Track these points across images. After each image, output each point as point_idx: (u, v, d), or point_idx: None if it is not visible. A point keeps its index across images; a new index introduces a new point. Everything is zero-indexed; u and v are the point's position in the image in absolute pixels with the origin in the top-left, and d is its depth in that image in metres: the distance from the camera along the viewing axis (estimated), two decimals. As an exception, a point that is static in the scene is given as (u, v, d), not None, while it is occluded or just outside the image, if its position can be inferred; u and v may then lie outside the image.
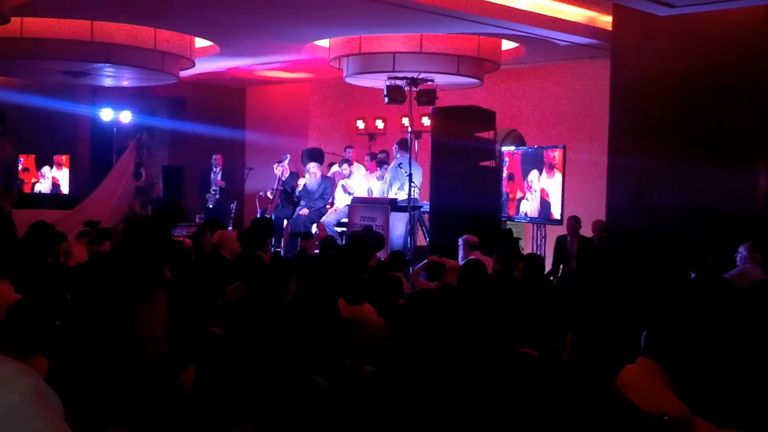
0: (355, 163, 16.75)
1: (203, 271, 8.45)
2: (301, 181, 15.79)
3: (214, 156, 17.99)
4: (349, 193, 15.76)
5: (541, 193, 13.79)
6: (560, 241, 13.10)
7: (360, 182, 16.15)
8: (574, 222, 12.96)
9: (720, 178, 11.09)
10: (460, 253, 10.48)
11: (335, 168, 16.77)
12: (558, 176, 13.54)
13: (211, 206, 17.50)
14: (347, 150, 17.22)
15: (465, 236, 10.62)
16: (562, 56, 15.39)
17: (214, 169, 17.85)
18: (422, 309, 5.04)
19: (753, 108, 11.14)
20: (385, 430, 3.74)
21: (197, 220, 17.26)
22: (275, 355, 4.17)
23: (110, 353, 3.41)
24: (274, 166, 16.50)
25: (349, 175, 16.27)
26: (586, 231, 13.06)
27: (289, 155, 16.50)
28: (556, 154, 13.68)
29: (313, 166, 15.53)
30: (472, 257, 9.48)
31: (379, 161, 16.24)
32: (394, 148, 15.65)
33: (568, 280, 8.62)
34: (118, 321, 4.85)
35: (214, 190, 17.64)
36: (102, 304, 5.41)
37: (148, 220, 7.28)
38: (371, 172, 16.29)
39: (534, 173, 14.04)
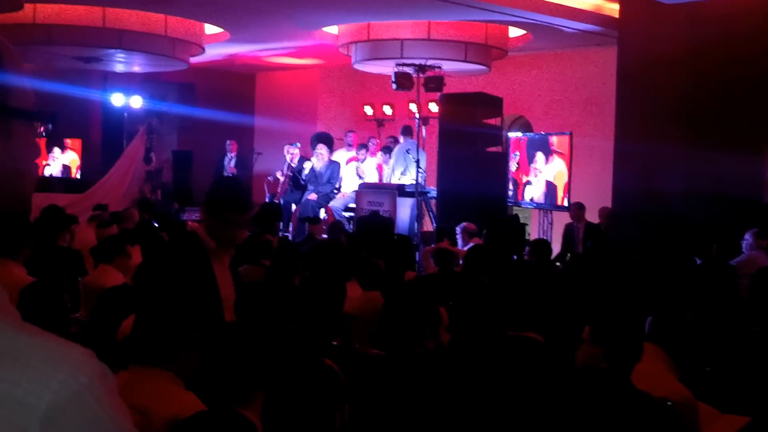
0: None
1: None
2: (308, 164, 15.83)
3: (228, 141, 18.09)
4: (362, 178, 15.87)
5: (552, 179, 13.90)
6: (568, 228, 13.17)
7: (371, 167, 16.26)
8: (577, 208, 13.04)
9: (726, 164, 11.12)
10: (459, 240, 10.56)
11: (343, 153, 16.81)
12: (561, 162, 13.61)
13: None
14: (348, 134, 17.29)
15: (463, 224, 10.71)
16: (569, 43, 15.42)
17: (228, 155, 17.95)
18: (424, 292, 5.14)
19: (760, 94, 11.17)
20: (390, 411, 3.82)
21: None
22: (284, 336, 4.26)
23: None
24: (285, 147, 16.56)
25: (364, 161, 16.38)
26: (593, 218, 13.14)
27: (299, 143, 16.59)
28: (555, 140, 13.76)
29: (321, 148, 15.59)
30: (472, 244, 9.55)
31: (384, 148, 16.33)
32: (399, 134, 15.74)
33: (573, 265, 8.70)
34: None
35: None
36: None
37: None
38: (372, 156, 16.41)
39: (540, 156, 14.12)
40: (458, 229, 10.71)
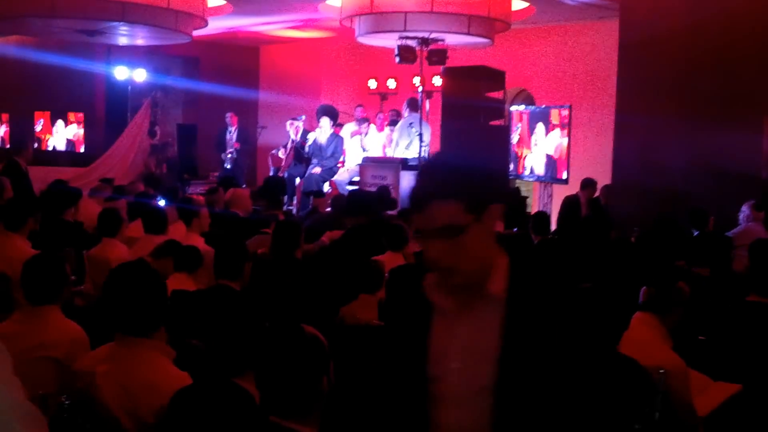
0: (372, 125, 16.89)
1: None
2: (311, 136, 15.85)
3: (227, 114, 18.01)
4: (366, 151, 15.94)
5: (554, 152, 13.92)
6: (572, 201, 13.13)
7: (376, 141, 16.33)
8: (591, 185, 12.99)
9: (726, 138, 11.14)
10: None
11: (353, 127, 16.85)
12: (557, 135, 13.65)
13: (228, 167, 17.49)
14: (357, 109, 17.33)
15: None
16: (572, 16, 15.41)
17: (229, 129, 17.89)
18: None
19: (760, 67, 11.17)
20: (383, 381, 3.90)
21: (211, 178, 17.42)
22: (282, 309, 4.34)
23: None
24: (288, 122, 16.60)
25: (367, 134, 16.45)
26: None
27: (304, 116, 16.62)
28: (555, 114, 13.79)
29: (325, 121, 15.63)
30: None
31: (390, 121, 16.38)
32: (403, 107, 15.76)
33: (571, 237, 8.76)
34: None
35: (230, 152, 17.63)
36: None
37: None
38: (380, 131, 16.46)
39: (540, 127, 14.16)
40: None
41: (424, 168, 2.46)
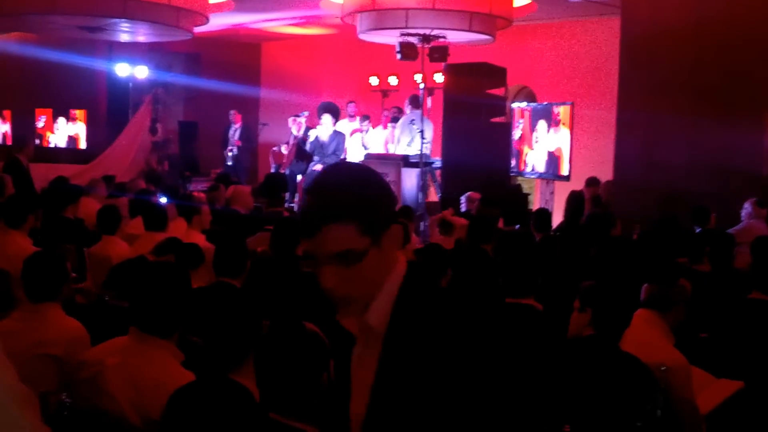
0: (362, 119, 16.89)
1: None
2: (312, 132, 15.86)
3: (231, 112, 18.09)
4: (366, 149, 15.93)
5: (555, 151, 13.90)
6: (577, 197, 13.09)
7: (377, 138, 16.32)
8: (594, 183, 12.99)
9: (729, 135, 11.11)
10: (463, 209, 10.64)
11: (346, 123, 16.85)
12: (562, 131, 13.63)
13: (230, 163, 17.63)
14: (349, 105, 17.30)
15: (467, 193, 10.80)
16: (574, 13, 15.39)
17: (233, 126, 17.96)
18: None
19: (763, 64, 11.14)
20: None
21: (212, 175, 17.44)
22: (283, 306, 4.33)
23: None
24: (290, 119, 16.61)
25: (367, 131, 16.45)
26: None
27: (307, 112, 16.62)
28: (560, 110, 13.77)
29: (326, 118, 15.62)
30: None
31: (392, 118, 16.37)
32: (405, 104, 15.75)
33: (573, 233, 8.75)
34: None
35: (230, 149, 17.74)
36: None
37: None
38: (384, 128, 16.47)
39: (541, 124, 14.14)
40: (463, 198, 10.79)
41: (312, 187, 2.14)
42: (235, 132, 17.88)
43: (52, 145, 20.64)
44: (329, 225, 2.04)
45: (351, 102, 17.52)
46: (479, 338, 2.12)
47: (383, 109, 17.47)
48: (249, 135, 18.24)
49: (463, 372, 2.05)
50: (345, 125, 16.63)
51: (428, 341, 2.05)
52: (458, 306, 2.16)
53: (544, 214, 9.34)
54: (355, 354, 2.28)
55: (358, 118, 16.97)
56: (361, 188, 2.11)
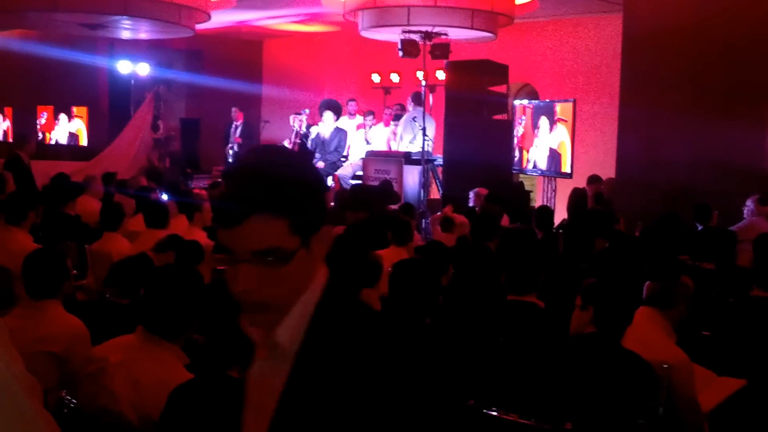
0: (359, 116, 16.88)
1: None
2: (314, 129, 15.88)
3: (233, 109, 18.13)
4: (370, 144, 15.93)
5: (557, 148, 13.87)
6: (579, 194, 13.06)
7: (380, 135, 16.32)
8: (596, 181, 12.96)
9: (731, 132, 11.11)
10: (471, 204, 10.63)
11: (346, 121, 16.84)
12: (564, 128, 13.61)
13: (231, 160, 17.67)
14: (350, 103, 17.29)
15: (476, 189, 10.79)
16: (575, 10, 15.38)
17: (234, 124, 18.00)
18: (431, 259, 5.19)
19: (765, 61, 11.13)
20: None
21: (214, 172, 17.45)
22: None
23: None
24: (291, 117, 16.61)
25: (371, 127, 16.44)
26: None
27: (308, 110, 16.61)
28: (562, 107, 13.75)
29: (328, 115, 15.62)
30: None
31: (395, 115, 16.36)
32: (408, 101, 15.75)
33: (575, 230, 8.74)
34: None
35: (231, 146, 17.78)
36: None
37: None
38: (386, 125, 16.46)
39: (543, 121, 14.12)
40: (471, 194, 10.78)
41: (241, 169, 1.83)
42: (236, 129, 17.91)
43: (53, 142, 20.63)
44: (257, 216, 1.74)
45: (352, 100, 17.51)
46: (402, 370, 1.81)
47: (385, 106, 17.45)
48: (250, 132, 18.24)
49: (381, 405, 1.77)
50: (345, 122, 16.62)
51: (347, 368, 1.77)
52: (382, 329, 1.88)
53: (546, 211, 9.33)
54: (254, 370, 1.94)
55: (357, 115, 16.97)
56: (297, 178, 1.80)
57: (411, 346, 1.84)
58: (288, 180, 1.77)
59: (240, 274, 1.77)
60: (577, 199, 12.93)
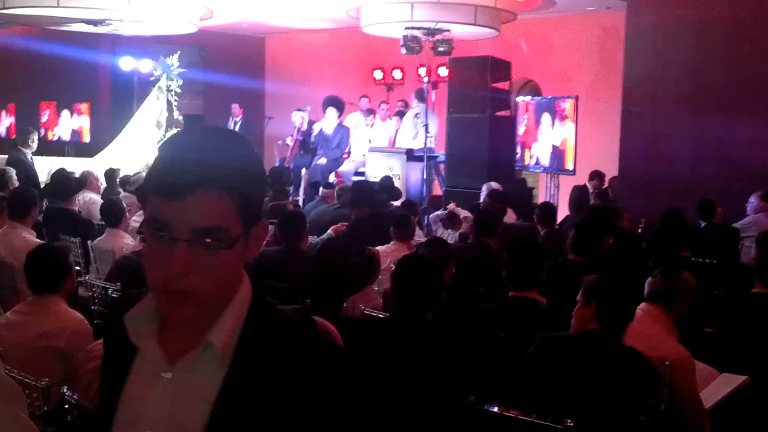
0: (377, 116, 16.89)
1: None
2: (317, 126, 15.87)
3: (232, 105, 18.13)
4: (371, 142, 15.94)
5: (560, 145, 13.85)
6: (581, 191, 13.03)
7: (382, 132, 16.32)
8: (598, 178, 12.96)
9: (734, 127, 11.11)
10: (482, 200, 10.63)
11: (357, 117, 16.83)
12: (567, 125, 13.59)
13: None
14: (362, 99, 17.30)
15: (488, 183, 10.79)
16: (578, 6, 15.35)
17: (233, 119, 18.00)
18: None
19: (768, 58, 11.15)
20: (394, 372, 3.88)
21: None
22: (286, 298, 4.33)
23: None
24: (293, 113, 16.60)
25: (373, 125, 16.44)
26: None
27: (310, 106, 16.60)
28: (565, 104, 13.73)
29: (331, 112, 15.61)
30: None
31: (397, 112, 16.35)
32: (411, 97, 15.75)
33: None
34: None
35: None
36: None
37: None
38: (383, 121, 16.48)
39: (546, 118, 14.10)
40: (484, 188, 10.78)
41: (187, 140, 1.66)
42: (235, 125, 17.90)
43: (56, 139, 20.63)
44: (204, 191, 1.55)
45: (363, 96, 17.51)
46: (334, 384, 1.64)
47: (382, 101, 17.44)
48: (249, 128, 18.22)
49: (318, 416, 1.60)
50: (357, 119, 16.62)
51: (284, 378, 1.60)
52: (313, 341, 1.70)
53: (549, 208, 9.33)
54: (143, 375, 1.69)
55: (372, 112, 16.97)
56: (246, 159, 1.65)
57: (337, 360, 1.69)
58: (238, 159, 1.61)
59: (174, 256, 1.54)
60: (577, 198, 12.91)
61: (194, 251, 1.55)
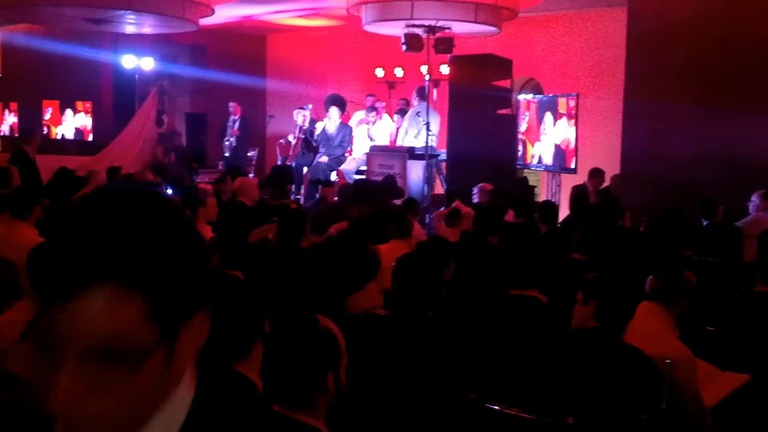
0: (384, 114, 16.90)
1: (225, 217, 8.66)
2: (319, 125, 15.89)
3: (230, 104, 18.13)
4: (372, 140, 15.94)
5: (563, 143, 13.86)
6: (580, 190, 13.06)
7: (383, 130, 16.31)
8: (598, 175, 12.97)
9: (736, 126, 11.08)
10: (476, 200, 10.63)
11: (360, 115, 16.84)
12: (569, 123, 13.59)
13: (227, 154, 17.68)
14: (368, 98, 17.32)
15: (480, 184, 10.78)
16: (580, 4, 15.35)
17: (232, 117, 18.01)
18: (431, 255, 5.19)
19: (770, 56, 11.13)
20: (393, 369, 3.88)
21: (220, 167, 17.47)
22: (288, 296, 4.33)
23: None
24: (295, 111, 16.62)
25: (374, 123, 16.44)
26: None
27: (311, 105, 16.61)
28: (567, 102, 13.74)
29: (333, 110, 15.63)
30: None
31: (399, 110, 16.35)
32: (413, 96, 15.75)
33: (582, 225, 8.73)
34: None
35: (227, 140, 17.81)
36: None
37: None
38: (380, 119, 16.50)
39: (548, 117, 14.11)
40: (475, 189, 10.78)
41: (82, 219, 1.19)
42: (234, 123, 17.91)
43: (58, 137, 20.67)
44: (100, 287, 1.15)
45: (370, 95, 17.52)
46: None
47: (376, 100, 17.45)
48: (247, 126, 18.24)
49: None
50: (362, 117, 16.63)
51: None
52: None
53: (550, 206, 9.32)
54: None
55: (379, 111, 16.98)
56: (170, 237, 1.22)
57: None
58: (159, 239, 1.20)
59: (61, 380, 1.15)
60: (577, 197, 12.95)
61: (88, 372, 1.16)
